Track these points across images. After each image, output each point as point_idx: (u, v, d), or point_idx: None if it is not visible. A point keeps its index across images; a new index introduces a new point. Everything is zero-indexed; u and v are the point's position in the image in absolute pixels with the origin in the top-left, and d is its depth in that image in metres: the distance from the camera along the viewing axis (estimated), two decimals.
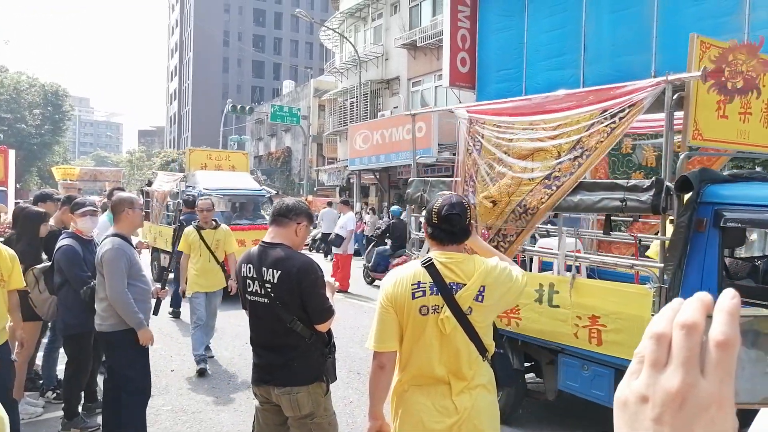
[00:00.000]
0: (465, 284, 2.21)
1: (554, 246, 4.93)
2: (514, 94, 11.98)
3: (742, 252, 5.21)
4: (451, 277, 2.23)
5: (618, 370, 3.67)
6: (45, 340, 5.32)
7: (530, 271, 5.22)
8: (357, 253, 13.86)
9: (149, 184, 12.83)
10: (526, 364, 4.69)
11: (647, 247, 5.49)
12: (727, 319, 0.44)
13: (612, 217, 5.58)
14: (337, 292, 3.30)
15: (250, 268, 2.84)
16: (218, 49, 60.03)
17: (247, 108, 32.54)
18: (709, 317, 0.45)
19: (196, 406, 5.09)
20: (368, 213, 19.33)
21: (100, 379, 5.00)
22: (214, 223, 6.45)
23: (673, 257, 3.40)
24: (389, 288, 2.30)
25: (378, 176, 22.44)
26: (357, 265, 12.43)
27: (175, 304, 8.39)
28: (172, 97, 71.16)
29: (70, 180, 21.76)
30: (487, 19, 15.13)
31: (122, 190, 8.01)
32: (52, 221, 5.29)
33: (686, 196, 3.47)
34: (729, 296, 0.45)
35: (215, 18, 59.24)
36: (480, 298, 2.21)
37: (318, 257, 15.05)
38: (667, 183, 3.44)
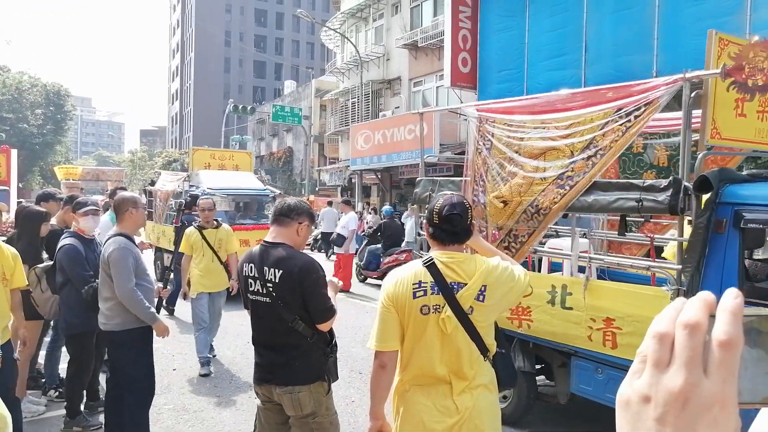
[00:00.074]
0: (466, 284, 2.21)
1: (563, 246, 4.87)
2: (516, 94, 11.97)
3: (759, 254, 5.13)
4: (452, 277, 2.23)
5: None
6: (47, 339, 5.33)
7: (539, 272, 5.14)
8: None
9: (152, 183, 12.81)
10: (536, 367, 4.62)
11: (659, 248, 5.36)
12: (730, 318, 0.44)
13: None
14: (340, 291, 3.29)
15: (251, 267, 2.84)
16: (220, 49, 60.05)
17: (249, 108, 32.58)
18: (712, 317, 0.45)
19: (197, 405, 5.09)
20: (370, 213, 19.32)
21: (102, 378, 5.01)
22: (215, 222, 6.42)
23: (692, 259, 3.31)
24: (390, 288, 2.30)
25: (379, 176, 22.44)
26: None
27: (171, 302, 8.40)
28: (174, 97, 71.19)
29: (73, 179, 21.80)
30: (488, 19, 15.12)
31: (124, 189, 8.02)
32: (54, 220, 5.30)
33: (704, 197, 3.38)
34: (732, 296, 0.45)
35: (217, 18, 59.26)
36: (481, 297, 2.21)
37: (319, 256, 15.04)
38: (685, 183, 3.35)
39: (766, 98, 3.63)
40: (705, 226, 3.29)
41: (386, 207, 15.33)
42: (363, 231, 16.25)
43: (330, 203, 17.63)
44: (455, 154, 16.11)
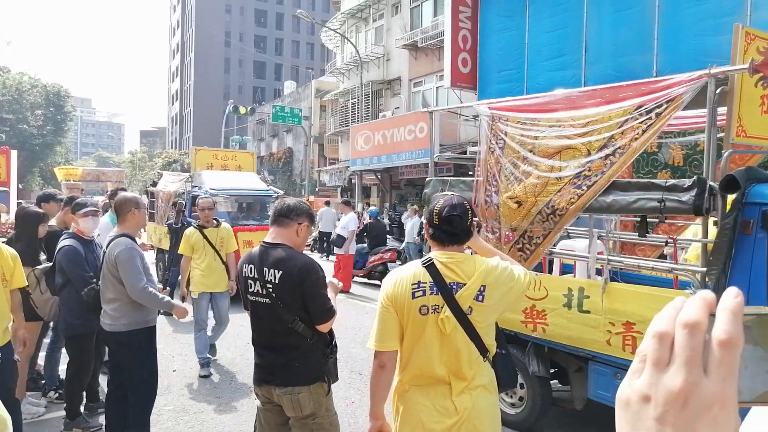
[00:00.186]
0: (465, 284, 2.21)
1: (575, 248, 4.79)
2: (516, 94, 11.95)
3: None
4: (451, 277, 2.23)
5: None
6: (47, 341, 5.33)
7: (551, 273, 5.05)
8: None
9: (154, 184, 12.76)
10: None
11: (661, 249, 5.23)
12: (731, 317, 0.44)
13: (636, 218, 5.46)
14: (340, 292, 3.29)
15: (251, 268, 2.84)
16: (220, 50, 60.09)
17: (249, 108, 32.57)
18: (712, 316, 0.45)
19: (197, 406, 5.09)
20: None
21: (102, 380, 5.01)
22: (215, 221, 6.38)
23: (717, 261, 3.20)
24: (390, 288, 2.30)
25: (379, 177, 22.45)
26: None
27: None
28: (174, 98, 71.22)
29: (73, 180, 21.78)
30: (488, 19, 15.13)
31: (124, 190, 8.02)
32: (54, 221, 5.30)
33: (730, 197, 3.27)
34: (732, 295, 0.45)
35: (217, 19, 59.30)
36: (480, 297, 2.21)
37: (315, 256, 15.05)
38: (710, 182, 3.23)
39: None
40: (731, 227, 3.17)
41: (371, 208, 15.50)
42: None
43: (328, 203, 17.62)
44: (456, 154, 16.12)
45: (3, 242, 4.01)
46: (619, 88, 3.91)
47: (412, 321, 2.24)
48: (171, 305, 4.03)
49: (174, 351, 6.69)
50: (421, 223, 11.96)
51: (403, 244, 15.16)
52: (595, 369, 3.93)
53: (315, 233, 17.23)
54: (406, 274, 2.30)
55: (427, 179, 5.25)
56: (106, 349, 4.30)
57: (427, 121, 17.01)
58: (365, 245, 12.46)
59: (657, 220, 5.01)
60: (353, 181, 24.29)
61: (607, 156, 3.66)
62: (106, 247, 3.82)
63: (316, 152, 31.17)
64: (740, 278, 3.16)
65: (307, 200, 20.04)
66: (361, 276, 12.15)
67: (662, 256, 5.21)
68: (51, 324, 5.27)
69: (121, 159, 73.22)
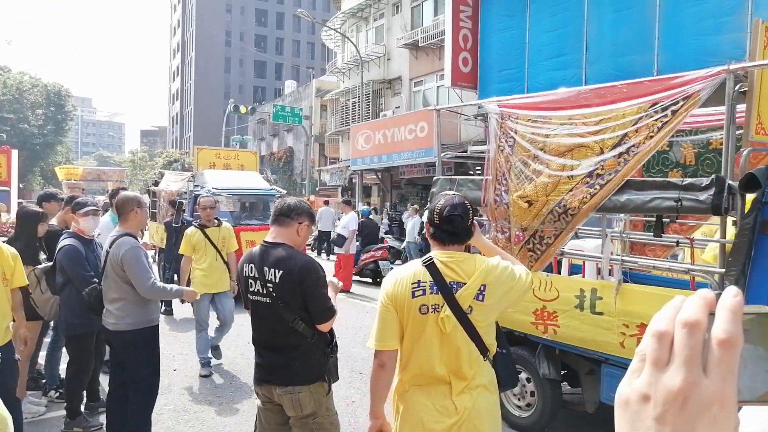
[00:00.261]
0: (465, 283, 2.21)
1: (584, 248, 4.73)
2: (516, 93, 11.96)
3: None
4: (451, 276, 2.23)
5: None
6: (47, 340, 5.33)
7: (559, 274, 4.98)
8: None
9: (156, 183, 12.73)
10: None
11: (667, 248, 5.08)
12: (730, 316, 0.44)
13: (646, 218, 5.24)
14: (340, 292, 3.29)
15: (251, 267, 2.84)
16: (220, 49, 60.10)
17: (249, 108, 32.57)
18: (712, 315, 0.45)
19: (198, 406, 5.09)
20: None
21: (102, 379, 5.01)
22: (216, 221, 6.29)
23: (736, 262, 3.11)
24: (390, 287, 2.30)
25: (380, 176, 22.45)
26: None
27: (167, 302, 8.38)
28: (174, 97, 71.24)
29: (74, 180, 21.79)
30: (489, 18, 15.13)
31: (125, 189, 8.02)
32: (55, 221, 5.30)
33: (749, 196, 3.18)
34: (732, 294, 0.45)
35: (217, 18, 59.30)
36: (480, 297, 2.21)
37: (312, 255, 15.05)
38: (729, 181, 3.14)
39: None
40: (751, 227, 3.09)
41: (363, 207, 15.53)
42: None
43: (326, 202, 17.60)
44: (456, 155, 16.11)
45: (3, 242, 4.02)
46: (634, 85, 3.82)
47: (412, 320, 2.24)
48: (181, 292, 4.18)
49: (174, 350, 6.70)
50: (422, 222, 11.98)
51: (404, 244, 15.18)
52: (609, 372, 3.86)
53: (314, 233, 17.23)
54: (406, 274, 2.30)
55: (435, 178, 5.14)
56: (107, 348, 4.30)
57: (428, 120, 17.08)
58: (357, 243, 12.56)
59: (668, 220, 4.87)
60: (354, 180, 24.29)
61: (620, 154, 3.57)
62: (109, 247, 3.80)
63: (317, 152, 31.17)
64: (760, 279, 3.09)
65: (308, 200, 20.05)
66: (353, 273, 12.20)
67: (673, 257, 5.14)
68: (51, 323, 5.27)
69: (121, 158, 73.27)
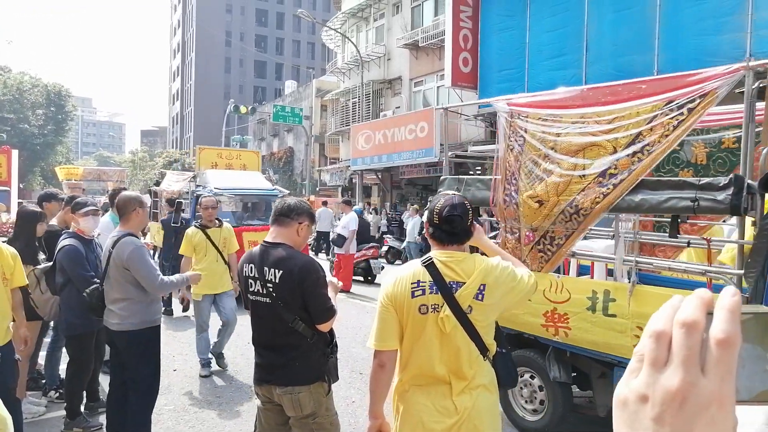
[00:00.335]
0: (465, 283, 2.21)
1: (593, 248, 4.66)
2: (516, 93, 11.97)
3: None
4: (450, 276, 2.22)
5: None
6: (47, 340, 5.33)
7: (567, 274, 4.90)
8: None
9: (157, 183, 12.68)
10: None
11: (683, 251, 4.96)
12: (728, 316, 0.44)
13: (656, 218, 5.19)
14: (340, 292, 3.29)
15: (251, 267, 2.84)
16: (220, 50, 60.12)
17: (250, 108, 32.56)
18: (710, 314, 0.45)
19: (198, 406, 5.09)
20: (371, 213, 19.34)
21: (102, 379, 5.02)
22: (217, 221, 6.22)
23: (756, 263, 3.04)
24: (389, 287, 2.30)
25: (380, 176, 22.45)
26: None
27: (167, 302, 8.37)
28: (175, 98, 71.26)
29: (75, 180, 21.78)
30: (489, 19, 15.15)
31: (125, 190, 8.01)
32: (55, 221, 5.30)
33: None
34: (730, 293, 0.45)
35: (217, 18, 59.32)
36: (480, 296, 2.20)
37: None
38: (749, 181, 3.07)
39: None
40: None
41: (356, 207, 15.56)
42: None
43: (325, 203, 17.57)
44: (457, 154, 16.11)
45: (3, 242, 4.02)
46: (649, 82, 3.74)
47: (411, 320, 2.24)
48: (186, 279, 4.22)
49: (174, 350, 6.70)
50: (422, 222, 11.97)
51: (404, 244, 15.18)
52: (622, 375, 3.81)
53: (313, 234, 17.23)
54: (405, 274, 2.30)
55: (442, 178, 5.04)
56: (107, 348, 4.30)
57: (428, 121, 17.08)
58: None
59: (679, 220, 4.75)
60: (354, 180, 24.29)
61: (634, 153, 3.49)
62: (112, 247, 3.78)
63: (317, 152, 31.18)
64: None
65: (308, 200, 20.03)
66: (352, 273, 12.17)
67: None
68: (51, 323, 5.27)
69: (122, 158, 73.28)
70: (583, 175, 3.71)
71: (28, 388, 4.86)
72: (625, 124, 3.55)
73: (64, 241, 4.36)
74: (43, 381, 5.23)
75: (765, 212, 3.11)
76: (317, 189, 28.45)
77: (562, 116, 3.97)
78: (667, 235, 5.05)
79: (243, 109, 31.03)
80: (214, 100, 58.36)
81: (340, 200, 18.08)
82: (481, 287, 2.21)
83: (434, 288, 2.22)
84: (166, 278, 3.92)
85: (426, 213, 2.40)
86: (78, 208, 4.43)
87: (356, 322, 8.20)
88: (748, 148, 3.19)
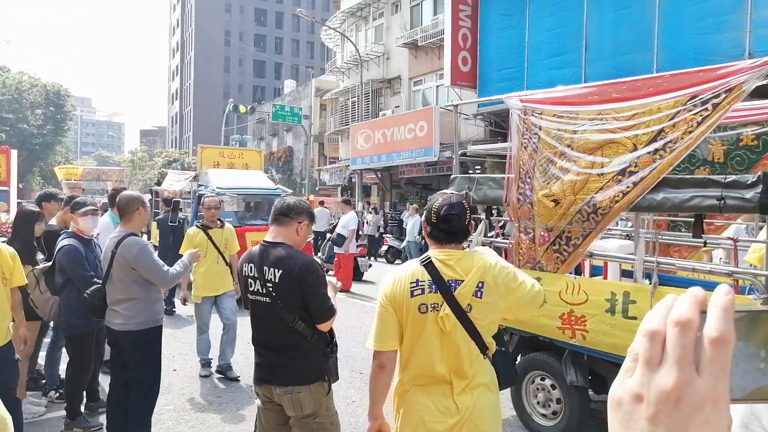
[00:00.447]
0: (463, 280, 2.21)
1: (606, 248, 4.58)
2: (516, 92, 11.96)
3: None
4: (449, 275, 2.23)
5: None
6: (47, 340, 5.33)
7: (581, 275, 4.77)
8: None
9: (159, 183, 12.61)
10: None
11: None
12: (722, 315, 0.44)
13: (670, 218, 5.10)
14: (340, 291, 3.29)
15: (251, 267, 2.84)
16: (219, 49, 60.05)
17: (249, 107, 32.53)
18: (704, 313, 0.45)
19: (198, 406, 5.09)
20: (370, 212, 19.33)
21: (102, 379, 5.02)
22: (219, 222, 6.13)
23: None
24: (388, 287, 2.30)
25: (380, 176, 22.44)
26: None
27: (168, 302, 8.36)
28: (174, 97, 71.19)
29: (74, 180, 21.75)
30: (488, 18, 15.13)
31: (125, 189, 8.00)
32: (54, 221, 5.30)
33: None
34: (723, 292, 0.45)
35: (216, 17, 59.25)
36: (479, 294, 2.20)
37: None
38: None
39: None
40: None
41: (338, 208, 15.69)
42: (362, 231, 16.27)
43: (321, 203, 17.54)
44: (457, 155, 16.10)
45: (2, 242, 4.02)
46: (671, 77, 3.64)
47: (411, 320, 2.24)
48: (188, 263, 4.25)
49: (174, 350, 6.70)
50: (422, 221, 11.92)
51: (404, 243, 15.18)
52: None
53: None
54: (404, 273, 2.30)
55: (452, 176, 4.91)
56: (107, 348, 4.29)
57: (427, 120, 17.05)
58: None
59: (694, 219, 4.59)
60: (353, 180, 24.27)
61: (656, 150, 3.38)
62: (115, 247, 3.77)
63: (316, 151, 31.15)
64: None
65: (307, 199, 20.01)
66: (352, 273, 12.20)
67: (709, 259, 4.91)
68: (51, 323, 5.27)
69: (121, 158, 73.19)
70: (602, 173, 3.61)
71: (28, 389, 4.86)
72: (646, 121, 3.45)
73: (63, 241, 4.35)
74: (43, 381, 5.23)
75: None
76: (317, 188, 28.42)
77: (578, 113, 3.87)
78: (684, 234, 5.04)
79: (242, 109, 30.98)
80: (214, 99, 58.30)
81: (339, 200, 18.07)
82: (480, 284, 2.21)
83: (433, 287, 2.22)
84: (172, 270, 3.98)
85: (424, 212, 2.40)
86: (77, 207, 4.43)
87: (356, 321, 8.20)
88: None
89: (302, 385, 2.76)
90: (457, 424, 2.20)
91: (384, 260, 16.35)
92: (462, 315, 2.20)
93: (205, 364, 5.92)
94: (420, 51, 20.20)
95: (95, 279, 4.15)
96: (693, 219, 4.40)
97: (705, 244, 4.32)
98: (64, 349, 4.87)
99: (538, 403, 4.40)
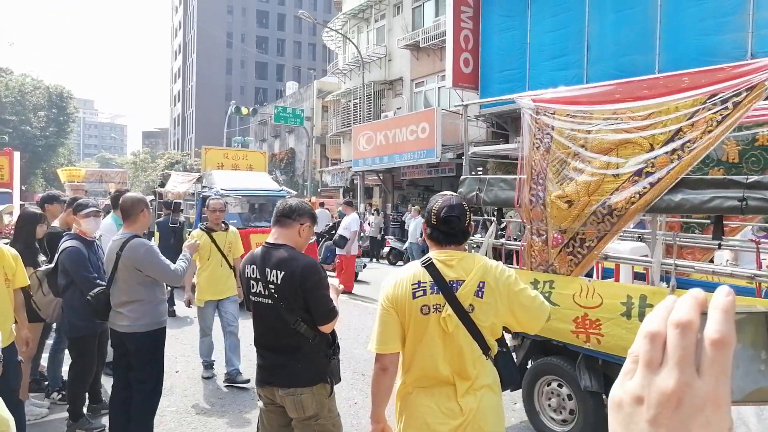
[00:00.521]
0: (464, 280, 2.21)
1: (618, 250, 4.49)
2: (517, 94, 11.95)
3: None
4: (450, 276, 2.23)
5: None
6: (50, 342, 5.34)
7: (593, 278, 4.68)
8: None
9: (162, 184, 12.58)
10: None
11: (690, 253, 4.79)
12: (723, 316, 0.44)
13: (683, 219, 5.03)
14: (342, 293, 3.28)
15: (253, 269, 2.84)
16: (221, 51, 60.13)
17: (251, 109, 32.56)
18: (704, 315, 0.45)
19: (200, 408, 5.10)
20: (372, 214, 19.33)
21: (105, 381, 5.02)
22: (223, 225, 6.06)
23: None
24: (390, 289, 2.30)
25: (381, 177, 22.43)
26: None
27: (169, 303, 8.34)
28: (176, 99, 71.31)
29: (77, 182, 21.78)
30: (490, 19, 15.13)
31: (128, 191, 8.01)
32: (57, 223, 5.31)
33: None
34: (724, 293, 0.45)
35: (218, 20, 59.34)
36: (480, 294, 2.21)
37: None
38: None
39: None
40: None
41: (340, 209, 15.73)
42: (364, 232, 16.29)
43: (322, 204, 17.53)
44: (457, 155, 16.12)
45: (5, 243, 4.03)
46: (691, 75, 3.58)
47: (413, 321, 2.24)
48: (189, 256, 4.36)
49: (177, 352, 6.70)
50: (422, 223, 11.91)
51: (406, 245, 15.17)
52: None
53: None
54: (405, 275, 2.30)
55: (462, 177, 4.83)
56: (110, 350, 4.30)
57: (429, 121, 17.04)
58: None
59: (708, 221, 4.58)
60: (355, 181, 24.26)
61: (674, 150, 3.30)
62: (120, 249, 3.77)
63: (318, 153, 31.16)
64: None
65: (309, 201, 20.03)
66: (330, 270, 12.23)
67: (710, 261, 4.86)
68: (54, 325, 5.28)
69: (123, 160, 73.24)
70: (617, 174, 3.55)
71: (31, 390, 4.87)
72: (663, 120, 3.39)
73: (65, 243, 4.36)
74: (46, 383, 5.23)
75: None
76: (318, 190, 28.42)
77: (592, 112, 3.80)
78: (699, 236, 4.94)
79: (244, 111, 31.00)
80: (216, 101, 58.37)
81: (341, 201, 18.07)
82: (481, 284, 2.21)
83: (435, 288, 2.22)
84: (178, 267, 4.03)
85: (425, 213, 2.40)
86: (79, 209, 4.44)
87: (358, 323, 8.20)
88: None
89: (304, 386, 2.76)
90: (461, 426, 2.19)
91: (386, 262, 16.35)
92: (464, 315, 2.20)
93: (208, 366, 5.92)
94: (422, 52, 20.20)
95: (98, 281, 4.15)
96: (707, 220, 4.42)
97: (719, 246, 4.24)
98: (66, 351, 4.88)
99: (550, 407, 4.34)
